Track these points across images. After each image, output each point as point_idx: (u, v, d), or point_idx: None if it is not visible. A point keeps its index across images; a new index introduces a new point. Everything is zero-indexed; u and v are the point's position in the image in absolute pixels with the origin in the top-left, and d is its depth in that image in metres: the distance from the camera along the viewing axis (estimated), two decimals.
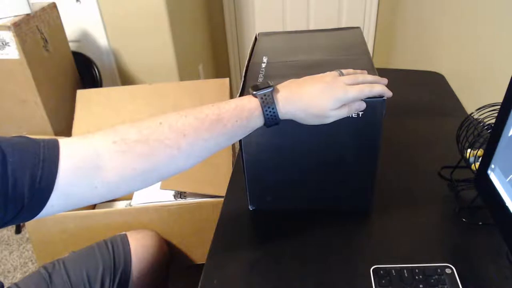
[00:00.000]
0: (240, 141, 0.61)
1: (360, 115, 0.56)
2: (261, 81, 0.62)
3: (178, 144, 0.48)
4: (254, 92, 0.51)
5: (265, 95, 0.50)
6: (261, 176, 0.66)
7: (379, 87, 0.53)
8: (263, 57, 0.70)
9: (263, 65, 0.67)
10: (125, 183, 0.47)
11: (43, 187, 0.42)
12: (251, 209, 0.70)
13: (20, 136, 0.45)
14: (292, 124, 0.54)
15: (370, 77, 0.55)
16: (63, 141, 0.45)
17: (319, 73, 0.55)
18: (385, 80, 0.56)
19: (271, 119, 0.51)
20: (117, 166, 0.46)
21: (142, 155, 0.47)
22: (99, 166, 0.45)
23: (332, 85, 0.52)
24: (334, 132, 0.59)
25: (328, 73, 0.55)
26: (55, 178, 0.43)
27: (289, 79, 0.55)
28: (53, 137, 0.47)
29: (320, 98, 0.51)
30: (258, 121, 0.51)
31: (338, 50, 0.71)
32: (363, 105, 0.54)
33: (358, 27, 0.78)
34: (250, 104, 0.50)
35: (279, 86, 0.53)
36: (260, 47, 0.75)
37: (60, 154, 0.44)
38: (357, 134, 0.59)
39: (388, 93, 0.54)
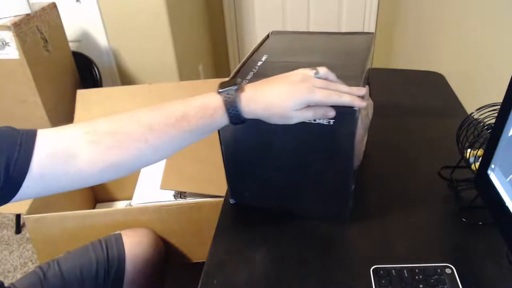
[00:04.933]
0: (219, 134, 0.62)
1: (332, 123, 0.54)
2: (249, 78, 0.62)
3: (145, 137, 0.50)
4: (220, 90, 0.51)
5: (228, 94, 0.50)
6: (239, 171, 0.67)
7: (348, 97, 0.52)
8: (264, 56, 0.70)
9: (259, 63, 0.67)
10: (97, 173, 0.50)
11: (18, 168, 0.46)
12: (231, 202, 0.71)
13: (6, 126, 0.49)
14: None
15: (344, 87, 0.53)
16: (41, 130, 0.49)
17: None
18: (362, 91, 0.54)
19: (235, 118, 0.51)
20: (89, 156, 0.49)
21: (111, 147, 0.49)
22: (73, 155, 0.48)
23: (298, 85, 0.51)
24: (307, 136, 0.58)
25: (300, 70, 0.53)
26: (30, 161, 0.46)
27: None
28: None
29: (283, 98, 0.50)
30: (222, 119, 0.51)
31: (339, 54, 0.71)
32: (330, 113, 0.52)
33: (371, 33, 0.77)
34: (215, 103, 0.51)
35: (247, 85, 0.53)
36: (266, 45, 0.75)
37: (36, 141, 0.47)
38: (328, 142, 0.57)
39: (359, 104, 0.52)
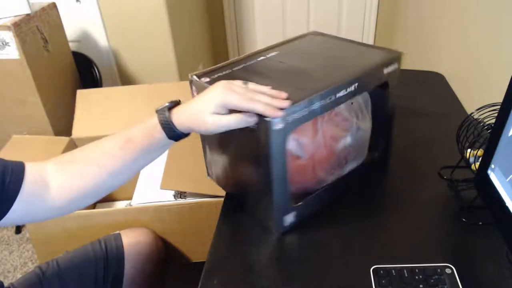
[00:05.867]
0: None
1: (256, 128, 0.54)
2: (235, 69, 0.65)
3: (97, 163, 0.56)
4: (157, 109, 0.55)
5: (162, 111, 0.54)
6: (213, 158, 0.71)
7: (260, 106, 0.51)
8: (274, 52, 0.70)
9: (260, 58, 0.68)
10: (67, 202, 0.56)
11: (11, 189, 0.51)
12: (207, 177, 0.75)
13: None
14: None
15: (263, 97, 0.52)
16: (27, 163, 0.55)
17: (282, 77, 0.60)
18: (282, 104, 0.52)
19: (170, 132, 0.54)
20: (57, 185, 0.55)
21: (73, 174, 0.56)
22: (47, 184, 0.54)
23: (216, 89, 0.52)
24: (243, 137, 0.58)
25: (227, 81, 0.55)
26: (21, 184, 0.52)
27: (259, 77, 0.60)
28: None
29: (202, 103, 0.53)
30: (161, 135, 0.55)
31: (334, 63, 0.67)
32: (250, 119, 0.52)
33: (399, 52, 0.66)
34: (153, 121, 0.55)
35: (182, 102, 0.56)
36: (288, 42, 0.75)
37: (25, 168, 0.54)
38: (255, 146, 0.57)
39: (271, 114, 0.51)
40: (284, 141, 0.55)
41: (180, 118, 0.54)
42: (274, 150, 0.55)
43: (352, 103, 0.67)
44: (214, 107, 0.52)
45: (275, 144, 0.54)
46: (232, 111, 0.53)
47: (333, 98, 0.58)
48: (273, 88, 0.55)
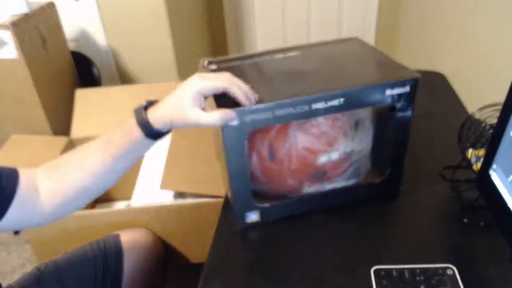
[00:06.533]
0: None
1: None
2: (246, 63, 0.66)
3: (82, 165, 0.57)
4: (134, 109, 0.56)
5: (139, 111, 0.55)
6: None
7: (237, 89, 0.53)
8: (294, 52, 0.70)
9: (275, 56, 0.69)
10: (56, 208, 0.57)
11: (8, 193, 0.53)
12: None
13: None
14: None
15: (242, 85, 0.54)
16: (20, 170, 0.56)
17: (277, 78, 0.61)
18: (251, 99, 0.54)
19: (147, 129, 0.54)
20: (46, 191, 0.56)
21: (59, 179, 0.57)
22: (37, 190, 0.56)
23: (188, 81, 0.54)
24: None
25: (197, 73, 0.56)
26: (17, 188, 0.53)
27: (256, 74, 0.62)
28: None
29: (177, 95, 0.53)
30: (138, 134, 0.55)
31: (337, 74, 0.64)
32: (226, 118, 0.53)
33: (414, 75, 0.62)
34: (130, 121, 0.55)
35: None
36: (318, 45, 0.74)
37: (19, 174, 0.55)
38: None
39: (246, 101, 0.53)
40: (241, 138, 0.56)
41: (156, 115, 0.54)
42: (228, 145, 0.57)
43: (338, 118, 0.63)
44: (190, 96, 0.52)
45: (229, 140, 0.56)
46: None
47: (306, 108, 0.56)
48: (255, 87, 0.57)
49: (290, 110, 0.56)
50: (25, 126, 1.38)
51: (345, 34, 2.38)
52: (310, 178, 0.66)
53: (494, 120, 0.61)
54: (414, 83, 0.60)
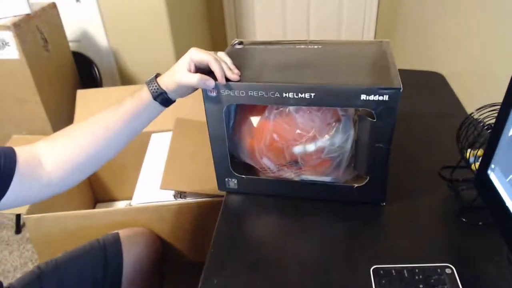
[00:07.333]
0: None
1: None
2: (270, 47, 0.74)
3: (92, 130, 0.60)
4: (146, 81, 0.63)
5: (150, 80, 0.63)
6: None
7: (216, 65, 0.60)
8: (317, 46, 0.74)
9: (298, 46, 0.74)
10: (64, 176, 0.59)
11: (6, 172, 0.54)
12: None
13: None
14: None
15: (224, 65, 0.62)
16: (16, 147, 0.58)
17: (283, 65, 0.67)
18: (232, 76, 0.61)
19: (156, 91, 0.62)
20: (52, 159, 0.58)
21: (66, 144, 0.59)
22: (40, 162, 0.57)
23: (188, 51, 0.62)
24: None
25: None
26: (15, 165, 0.55)
27: (269, 58, 0.70)
28: None
29: (178, 62, 0.62)
30: (147, 95, 0.62)
31: (332, 69, 0.66)
32: (204, 82, 0.60)
33: (395, 86, 0.57)
34: (141, 87, 0.63)
35: None
36: (348, 44, 0.77)
37: (16, 152, 0.56)
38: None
39: (220, 78, 0.60)
40: (219, 110, 0.64)
41: (162, 79, 0.63)
42: (208, 114, 0.65)
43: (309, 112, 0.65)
44: (185, 62, 0.61)
45: (209, 110, 0.65)
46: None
47: (277, 95, 0.60)
48: (252, 69, 0.66)
49: (263, 93, 0.61)
50: (26, 126, 1.39)
51: (344, 34, 2.38)
52: (286, 163, 0.70)
53: (492, 120, 0.62)
54: (394, 94, 0.56)
